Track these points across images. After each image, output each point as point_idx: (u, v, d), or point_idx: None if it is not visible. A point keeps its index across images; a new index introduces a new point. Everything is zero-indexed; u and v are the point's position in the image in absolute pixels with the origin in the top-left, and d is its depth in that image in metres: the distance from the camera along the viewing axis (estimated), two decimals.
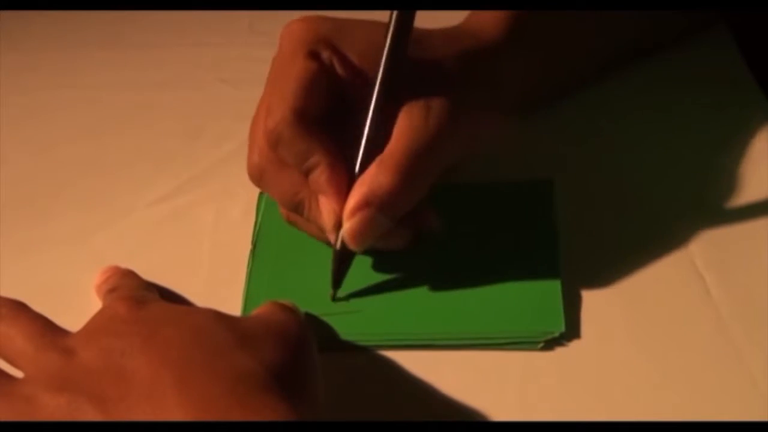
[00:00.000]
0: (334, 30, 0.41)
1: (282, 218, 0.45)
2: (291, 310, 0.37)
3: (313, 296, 0.41)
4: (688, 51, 0.54)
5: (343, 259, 0.40)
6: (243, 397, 0.30)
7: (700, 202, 0.45)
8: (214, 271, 0.44)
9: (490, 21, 0.44)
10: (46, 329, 0.35)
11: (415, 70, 0.40)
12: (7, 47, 0.62)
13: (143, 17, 0.64)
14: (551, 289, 0.40)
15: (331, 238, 0.40)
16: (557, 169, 0.47)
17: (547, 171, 0.46)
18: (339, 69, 0.40)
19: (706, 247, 0.42)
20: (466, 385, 0.37)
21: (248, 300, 0.41)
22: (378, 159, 0.38)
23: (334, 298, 0.41)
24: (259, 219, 0.46)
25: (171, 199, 0.48)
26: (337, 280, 0.41)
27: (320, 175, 0.39)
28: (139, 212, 0.47)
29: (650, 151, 0.49)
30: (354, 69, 0.40)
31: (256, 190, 0.47)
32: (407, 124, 0.39)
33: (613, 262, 0.42)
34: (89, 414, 0.31)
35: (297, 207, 0.41)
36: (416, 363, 0.38)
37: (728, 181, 0.46)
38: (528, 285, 0.41)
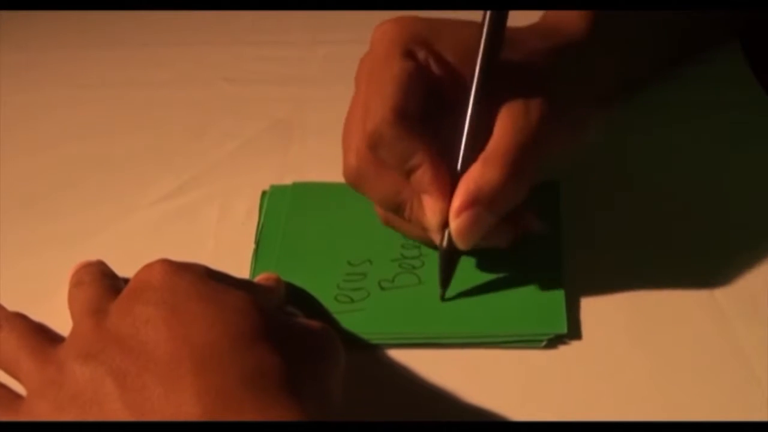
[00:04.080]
0: (427, 30, 0.41)
1: (281, 218, 0.45)
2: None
3: (316, 296, 0.41)
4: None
5: (450, 258, 0.40)
6: (258, 393, 0.30)
7: (703, 203, 0.45)
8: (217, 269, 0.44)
9: (574, 18, 0.44)
10: (97, 300, 0.36)
11: (509, 68, 0.40)
12: (8, 47, 0.62)
13: (146, 16, 0.64)
14: (554, 291, 0.40)
15: (437, 237, 0.40)
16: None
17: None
18: (435, 68, 0.40)
19: (710, 248, 0.43)
20: (468, 384, 0.37)
21: None
22: (482, 156, 0.38)
23: (443, 299, 0.40)
24: (263, 218, 0.46)
25: (174, 197, 0.48)
26: (446, 280, 0.40)
27: (424, 175, 0.39)
28: (143, 211, 0.47)
29: (653, 152, 0.49)
30: (449, 68, 0.40)
31: (260, 189, 0.47)
32: (509, 121, 0.38)
33: (615, 262, 0.42)
34: (108, 387, 0.31)
35: (398, 208, 0.40)
36: (418, 362, 0.38)
37: (731, 180, 0.47)
38: (531, 286, 0.41)
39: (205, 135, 0.53)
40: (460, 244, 0.39)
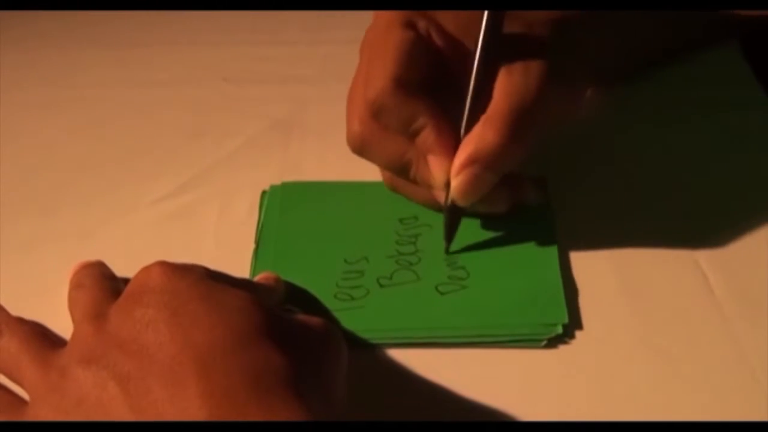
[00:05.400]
0: None
1: (280, 218, 0.45)
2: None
3: (316, 294, 0.41)
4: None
5: (453, 215, 0.42)
6: (262, 393, 0.30)
7: (703, 201, 0.45)
8: (217, 269, 0.44)
9: None
10: (98, 304, 0.36)
11: (510, 36, 0.41)
12: (8, 47, 0.62)
13: (146, 16, 0.64)
14: (552, 281, 0.41)
15: (440, 195, 0.42)
16: (557, 167, 0.47)
17: (547, 167, 0.47)
18: (435, 38, 0.42)
19: (710, 246, 0.43)
20: (468, 384, 0.37)
21: None
22: (483, 118, 0.40)
23: (448, 252, 0.43)
24: (263, 217, 0.46)
25: (174, 197, 0.48)
26: (450, 234, 0.43)
27: (428, 135, 0.40)
28: (142, 210, 0.47)
29: (653, 151, 0.49)
30: (450, 38, 0.42)
31: (260, 189, 0.47)
32: (508, 85, 0.40)
33: (615, 261, 0.42)
34: (112, 391, 0.31)
35: (403, 169, 0.42)
36: (418, 362, 0.38)
37: (731, 180, 0.47)
38: (528, 278, 0.41)
39: (205, 135, 0.53)
40: (460, 201, 0.41)
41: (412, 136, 0.41)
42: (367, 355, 0.38)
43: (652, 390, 0.36)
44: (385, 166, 0.44)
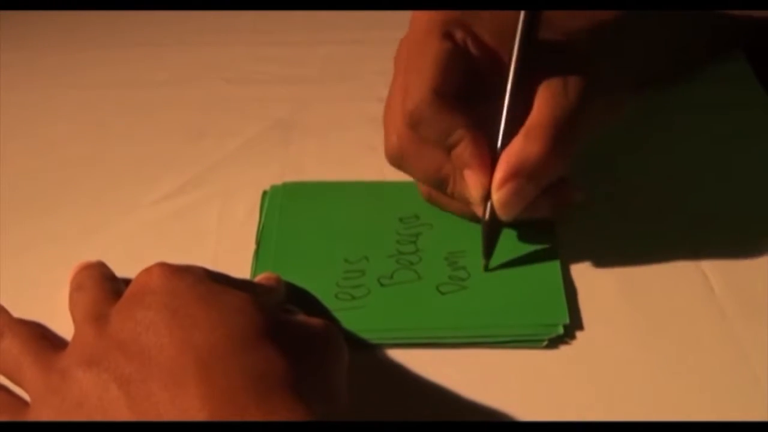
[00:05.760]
0: (465, 11, 0.42)
1: (281, 218, 0.45)
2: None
3: (317, 294, 0.41)
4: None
5: (492, 230, 0.41)
6: (263, 395, 0.30)
7: (703, 201, 0.45)
8: (218, 270, 0.44)
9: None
10: (99, 305, 0.36)
11: (547, 46, 0.41)
12: (8, 47, 0.62)
13: (146, 16, 0.64)
14: (553, 282, 0.41)
15: (479, 210, 0.41)
16: None
17: None
18: (473, 49, 0.41)
19: (710, 246, 0.43)
20: (468, 384, 0.37)
21: None
22: (523, 130, 0.40)
23: (487, 269, 0.42)
24: (263, 218, 0.46)
25: (174, 197, 0.48)
26: (489, 250, 0.42)
27: (464, 150, 0.40)
28: (143, 211, 0.47)
29: (653, 151, 0.49)
30: (487, 49, 0.42)
31: (261, 189, 0.47)
32: (548, 96, 0.40)
33: (616, 262, 0.42)
34: (113, 393, 0.31)
35: (441, 183, 0.42)
36: (418, 362, 0.38)
37: (731, 180, 0.47)
38: (529, 278, 0.41)
39: (206, 135, 0.53)
40: (503, 215, 0.40)
41: (449, 149, 0.40)
42: (367, 355, 0.38)
43: (652, 390, 0.36)
44: (422, 180, 0.44)
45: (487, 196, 0.40)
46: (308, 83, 0.57)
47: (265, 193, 0.47)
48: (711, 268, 0.42)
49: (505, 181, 0.39)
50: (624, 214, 0.45)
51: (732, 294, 0.40)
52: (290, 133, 0.53)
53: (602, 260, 0.42)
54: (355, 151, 0.50)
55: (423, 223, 0.45)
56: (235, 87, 0.57)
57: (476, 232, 0.43)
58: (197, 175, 0.49)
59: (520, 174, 0.39)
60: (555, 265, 0.42)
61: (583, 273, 0.42)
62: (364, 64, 0.58)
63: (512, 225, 0.43)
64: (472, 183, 0.40)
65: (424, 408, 0.37)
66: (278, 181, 0.48)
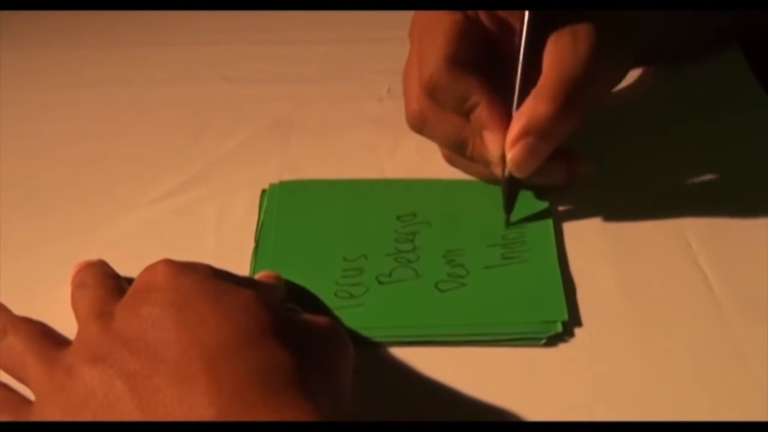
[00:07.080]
0: None
1: (279, 217, 0.45)
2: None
3: (316, 292, 0.41)
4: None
5: (511, 187, 0.44)
6: (271, 392, 0.30)
7: (703, 200, 0.45)
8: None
9: None
10: (102, 302, 0.36)
11: (555, 11, 0.42)
12: (8, 46, 0.62)
13: (146, 16, 0.64)
14: (551, 279, 0.41)
15: (498, 169, 0.43)
16: None
17: None
18: (485, 19, 0.44)
19: (709, 244, 0.43)
20: (468, 381, 0.37)
21: None
22: (533, 91, 0.41)
23: (508, 224, 0.44)
24: (262, 216, 0.46)
25: (174, 196, 0.48)
26: (509, 206, 0.44)
27: (482, 112, 0.42)
28: (142, 209, 0.47)
29: (652, 151, 0.49)
30: (498, 18, 0.44)
31: (260, 187, 0.48)
32: (557, 58, 0.42)
33: (614, 259, 0.42)
34: (119, 389, 0.31)
35: (460, 146, 0.44)
36: (418, 361, 0.38)
37: (731, 179, 0.47)
38: (528, 275, 0.41)
39: (205, 134, 0.53)
40: (517, 172, 0.42)
41: (467, 113, 0.43)
42: (367, 352, 0.38)
43: (651, 388, 0.36)
44: (443, 144, 0.46)
45: (504, 156, 0.42)
46: (307, 82, 0.57)
47: (264, 191, 0.47)
48: (709, 266, 0.42)
49: (517, 139, 0.41)
50: (622, 212, 0.45)
51: (731, 293, 0.40)
52: (289, 132, 0.53)
53: (601, 258, 0.42)
54: (354, 150, 0.51)
55: (421, 221, 0.45)
56: (235, 86, 0.57)
57: (474, 231, 0.43)
58: (196, 173, 0.49)
59: (531, 132, 0.41)
60: (554, 263, 0.42)
61: (581, 270, 0.42)
62: (364, 64, 0.58)
63: (514, 217, 0.44)
64: (490, 143, 0.42)
65: (423, 406, 0.37)
66: (277, 180, 0.48)
